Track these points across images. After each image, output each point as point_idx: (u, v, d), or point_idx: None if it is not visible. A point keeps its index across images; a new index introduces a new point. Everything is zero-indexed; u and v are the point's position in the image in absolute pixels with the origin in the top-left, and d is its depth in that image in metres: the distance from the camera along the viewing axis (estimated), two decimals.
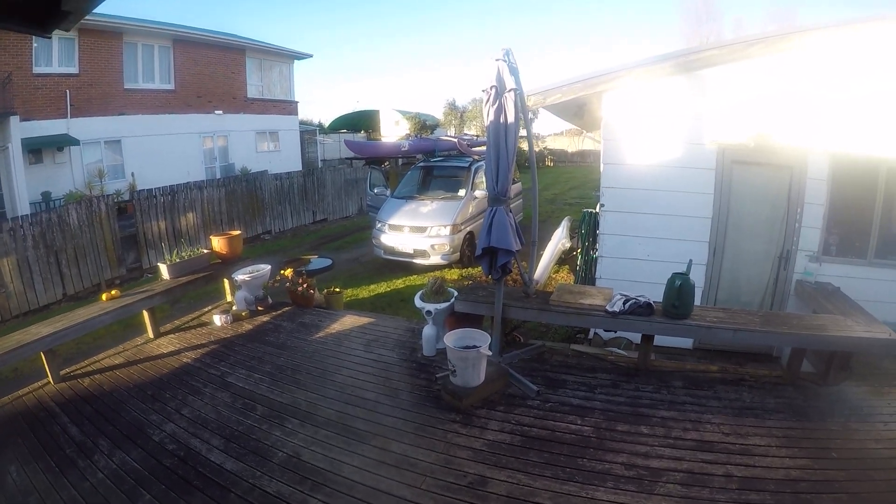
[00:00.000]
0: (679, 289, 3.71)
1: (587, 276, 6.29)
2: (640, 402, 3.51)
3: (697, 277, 4.36)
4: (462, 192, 9.43)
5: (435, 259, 8.67)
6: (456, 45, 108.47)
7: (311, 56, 21.60)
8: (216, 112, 17.95)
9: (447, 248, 8.61)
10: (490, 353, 3.59)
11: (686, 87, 4.96)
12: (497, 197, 3.62)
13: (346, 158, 16.91)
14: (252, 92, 19.68)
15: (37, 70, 12.49)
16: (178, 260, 5.44)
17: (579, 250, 6.63)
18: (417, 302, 4.32)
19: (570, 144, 39.02)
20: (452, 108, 46.44)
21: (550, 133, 41.35)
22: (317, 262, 6.56)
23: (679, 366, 4.16)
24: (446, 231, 8.62)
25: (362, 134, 36.27)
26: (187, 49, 16.83)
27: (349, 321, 5.26)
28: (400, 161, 11.17)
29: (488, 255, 3.68)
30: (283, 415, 3.50)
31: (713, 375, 3.95)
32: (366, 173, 16.58)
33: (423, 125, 36.99)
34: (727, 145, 4.92)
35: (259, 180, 12.30)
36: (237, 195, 11.62)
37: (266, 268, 5.66)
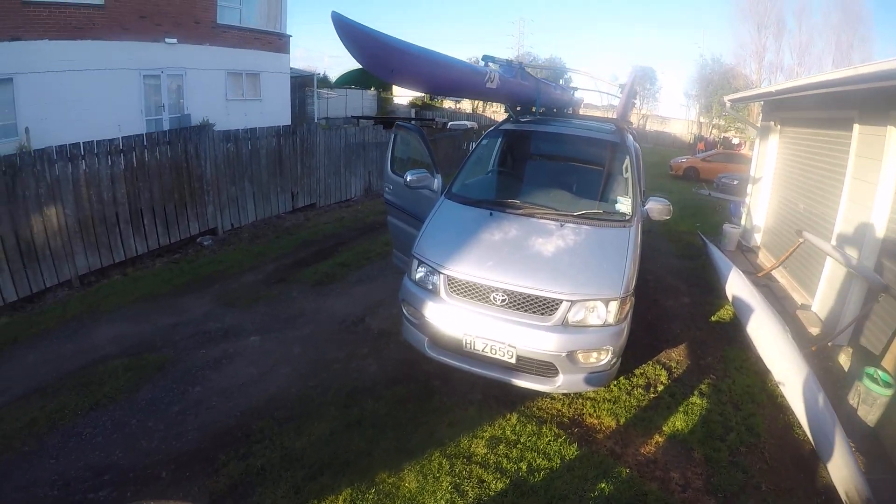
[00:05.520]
0: None
1: None
2: None
3: None
4: (624, 204, 4.02)
5: (573, 380, 3.26)
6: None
7: None
8: (167, 40, 12.35)
9: (606, 355, 3.23)
10: None
11: None
12: None
13: (353, 117, 11.47)
14: (225, 16, 13.94)
15: None
16: None
17: None
18: None
19: None
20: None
21: None
22: None
23: None
24: (610, 310, 3.22)
25: (372, 91, 30.32)
26: None
27: None
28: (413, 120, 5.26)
29: None
30: None
31: None
32: (379, 136, 10.73)
33: None
34: None
35: (195, 141, 6.80)
36: (152, 168, 6.22)
37: None
